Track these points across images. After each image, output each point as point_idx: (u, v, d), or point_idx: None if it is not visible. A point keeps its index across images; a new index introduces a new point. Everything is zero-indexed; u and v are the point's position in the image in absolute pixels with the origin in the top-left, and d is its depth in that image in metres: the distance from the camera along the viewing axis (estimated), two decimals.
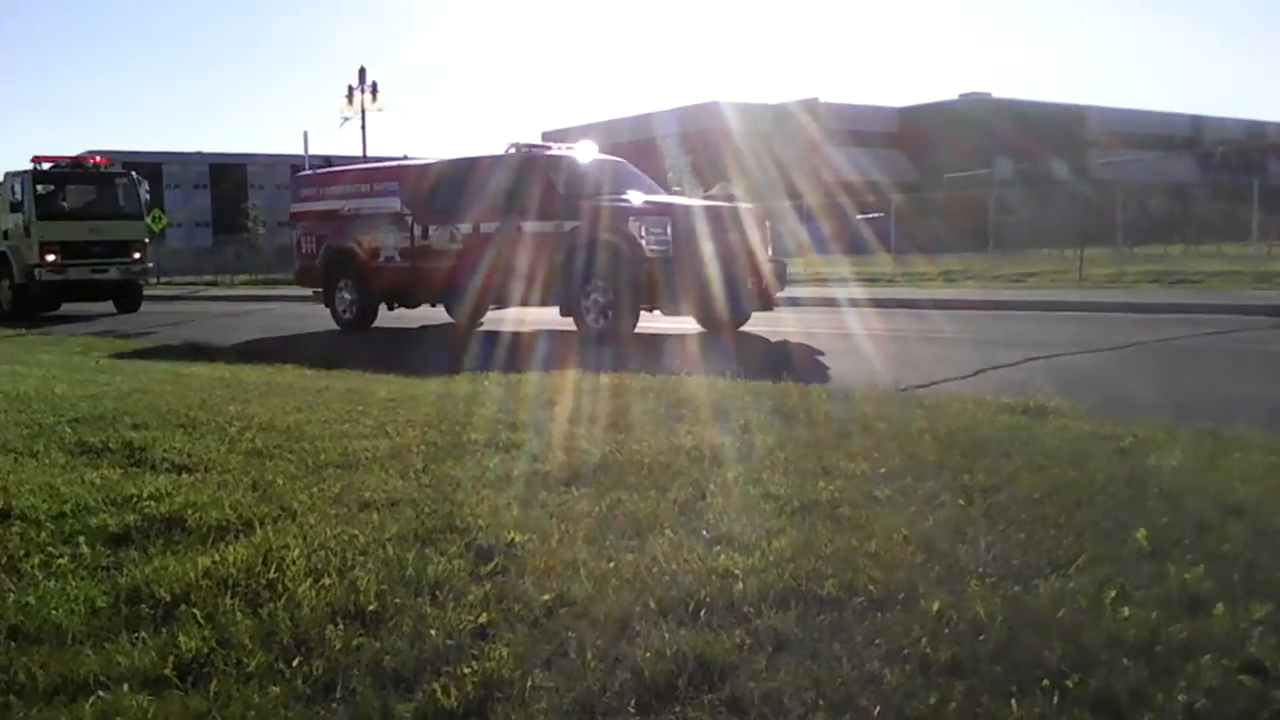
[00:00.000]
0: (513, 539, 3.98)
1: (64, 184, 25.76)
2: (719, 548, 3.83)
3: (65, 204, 25.67)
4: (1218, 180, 49.56)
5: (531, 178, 14.49)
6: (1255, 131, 77.02)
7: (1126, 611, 3.09)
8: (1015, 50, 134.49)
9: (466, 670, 2.88)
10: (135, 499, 4.77)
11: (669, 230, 13.05)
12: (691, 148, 53.40)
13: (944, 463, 5.09)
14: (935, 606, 3.18)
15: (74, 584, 3.67)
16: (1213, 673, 2.73)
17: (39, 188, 24.58)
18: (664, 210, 13.55)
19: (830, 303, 18.20)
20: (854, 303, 17.64)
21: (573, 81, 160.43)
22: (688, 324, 13.91)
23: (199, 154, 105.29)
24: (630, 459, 5.35)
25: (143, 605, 3.46)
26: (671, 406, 7.01)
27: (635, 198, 14.16)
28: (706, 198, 15.62)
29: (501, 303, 15.43)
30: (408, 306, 17.07)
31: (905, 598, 3.30)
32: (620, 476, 5.00)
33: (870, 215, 36.52)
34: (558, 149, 16.08)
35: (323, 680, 2.90)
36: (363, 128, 39.29)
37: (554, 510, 4.44)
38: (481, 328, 16.25)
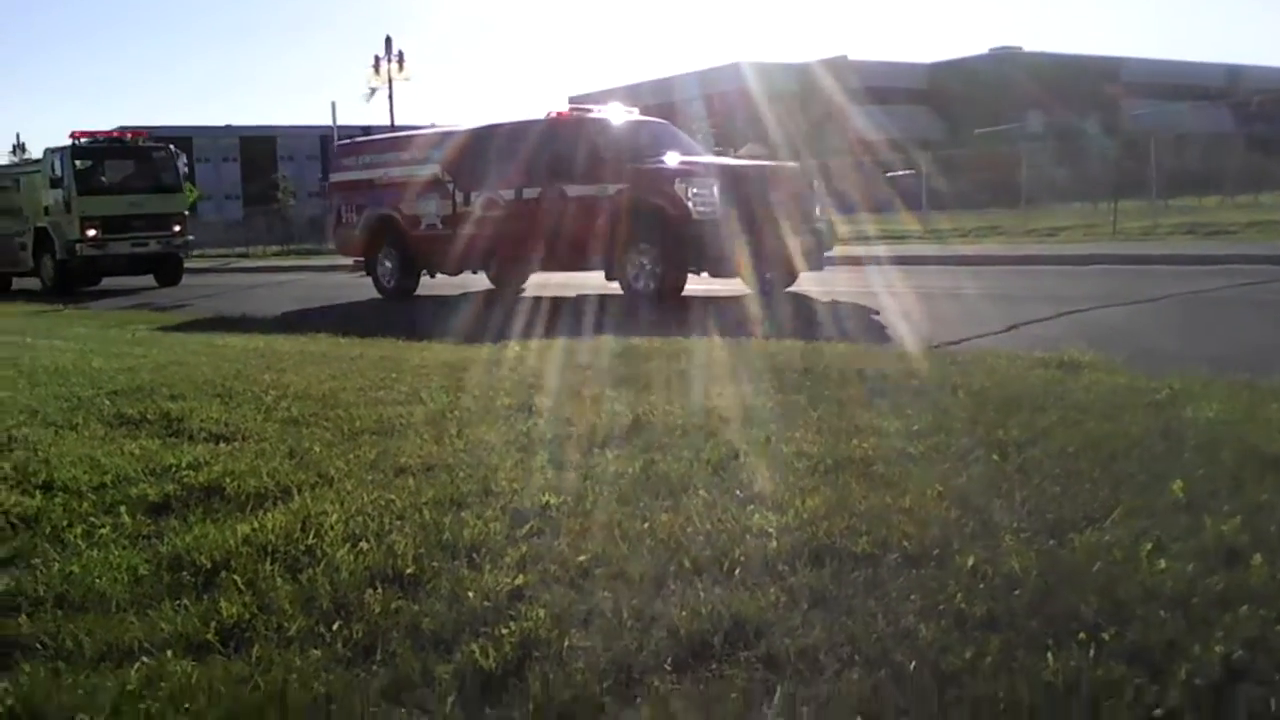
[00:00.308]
0: (547, 501, 4.00)
1: (103, 159, 25.58)
2: (752, 507, 3.84)
3: (104, 179, 25.41)
4: (1253, 130, 48.86)
5: (574, 141, 14.36)
6: None
7: (1162, 564, 3.08)
8: (1045, 3, 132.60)
9: (504, 631, 2.91)
10: (174, 468, 4.83)
11: (715, 191, 12.85)
12: (714, 110, 53.08)
13: (977, 418, 5.07)
14: (970, 562, 3.18)
15: (116, 553, 3.72)
16: (1250, 623, 2.72)
17: (78, 163, 24.45)
18: (710, 171, 13.35)
19: (863, 261, 18.03)
20: (889, 260, 17.53)
21: (595, 46, 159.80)
22: (735, 286, 13.72)
23: (228, 127, 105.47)
24: (662, 420, 5.36)
25: (184, 573, 3.50)
26: (704, 368, 7.01)
27: (681, 159, 13.99)
28: (740, 158, 15.44)
29: (546, 268, 15.26)
30: (449, 274, 16.81)
31: (939, 554, 3.30)
32: (653, 438, 5.01)
33: (901, 173, 36.23)
34: (600, 111, 15.97)
35: (362, 643, 2.93)
36: (390, 98, 39.32)
37: (588, 472, 4.46)
38: (524, 294, 16.16)
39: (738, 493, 4.04)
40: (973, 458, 4.38)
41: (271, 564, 3.51)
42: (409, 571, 3.37)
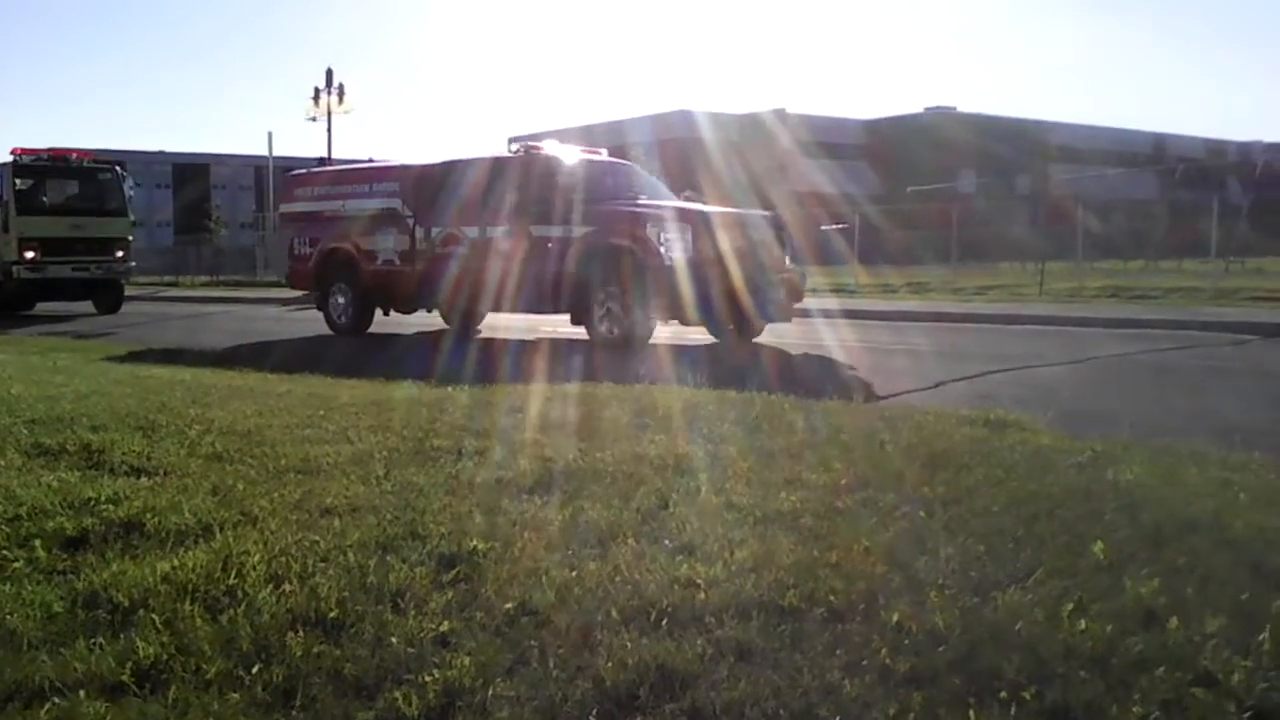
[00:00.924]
0: (475, 546, 3.97)
1: (45, 178, 24.83)
2: (681, 557, 3.83)
3: (46, 199, 24.76)
4: (1178, 197, 50.18)
5: (540, 180, 14.03)
6: (1216, 149, 78.10)
7: (1083, 624, 3.13)
8: (981, 65, 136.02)
9: (428, 678, 2.88)
10: (93, 502, 4.72)
11: (689, 236, 12.58)
12: (664, 155, 53.42)
13: (905, 475, 5.12)
14: (895, 617, 3.20)
15: (29, 588, 3.63)
16: (1166, 685, 2.77)
17: (18, 181, 23.63)
18: (683, 216, 13.06)
19: (810, 313, 18.11)
20: (826, 314, 17.66)
21: (544, 86, 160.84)
22: (699, 334, 13.60)
23: (162, 153, 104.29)
24: (593, 467, 5.34)
25: (100, 610, 3.43)
26: (642, 416, 7.00)
27: (652, 203, 13.77)
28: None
29: (508, 309, 14.74)
30: (404, 311, 16.44)
31: (866, 608, 3.32)
32: (583, 484, 5.00)
33: (836, 225, 36.67)
34: (566, 150, 15.58)
35: (283, 687, 2.89)
36: (328, 130, 39.20)
37: (517, 518, 4.44)
38: (480, 334, 15.93)
39: (666, 543, 4.04)
40: (900, 513, 4.42)
41: (191, 604, 3.45)
42: (332, 615, 3.33)
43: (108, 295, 25.03)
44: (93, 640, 3.18)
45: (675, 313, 12.76)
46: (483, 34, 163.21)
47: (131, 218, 25.55)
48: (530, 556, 3.87)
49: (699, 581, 3.56)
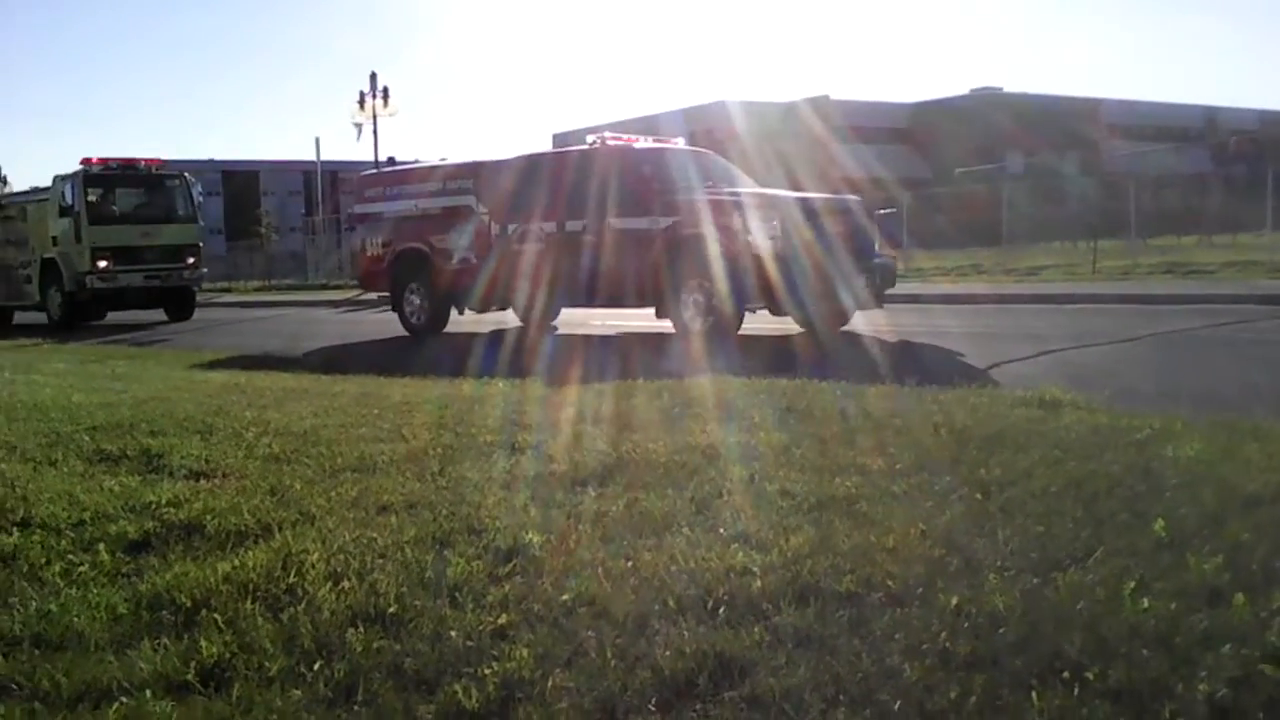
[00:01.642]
0: (530, 539, 3.99)
1: (115, 187, 24.45)
2: (736, 545, 3.83)
3: (116, 208, 24.38)
4: (1232, 171, 49.35)
5: (620, 172, 13.68)
6: (1269, 121, 76.67)
7: (1145, 603, 3.08)
8: (1026, 45, 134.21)
9: (487, 671, 2.90)
10: (154, 505, 4.79)
11: (775, 225, 12.17)
12: (700, 147, 53.20)
13: (960, 457, 5.08)
14: (954, 601, 3.18)
15: (95, 591, 3.70)
16: (1233, 662, 2.72)
17: (89, 191, 23.32)
18: (769, 204, 12.73)
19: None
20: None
21: (580, 82, 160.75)
22: (778, 324, 13.21)
23: (210, 161, 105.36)
24: (645, 458, 5.35)
25: (164, 611, 3.48)
26: (695, 405, 7.00)
27: (738, 191, 13.43)
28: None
29: (589, 304, 14.45)
30: (479, 310, 16.03)
31: (923, 592, 3.29)
32: (637, 476, 5.00)
33: (882, 210, 36.40)
34: (644, 141, 15.12)
35: (344, 683, 2.91)
36: (374, 133, 39.40)
37: (572, 510, 4.45)
38: (556, 330, 15.73)
39: (721, 531, 4.03)
40: (956, 496, 4.38)
41: (252, 603, 3.49)
42: (391, 611, 3.35)
43: (179, 303, 24.89)
44: (157, 641, 3.23)
45: (765, 302, 12.41)
46: (516, 32, 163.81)
47: (201, 224, 25.48)
48: (585, 548, 3.89)
49: (754, 569, 3.55)
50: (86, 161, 23.54)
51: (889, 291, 13.58)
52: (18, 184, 30.11)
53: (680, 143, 15.85)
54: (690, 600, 3.33)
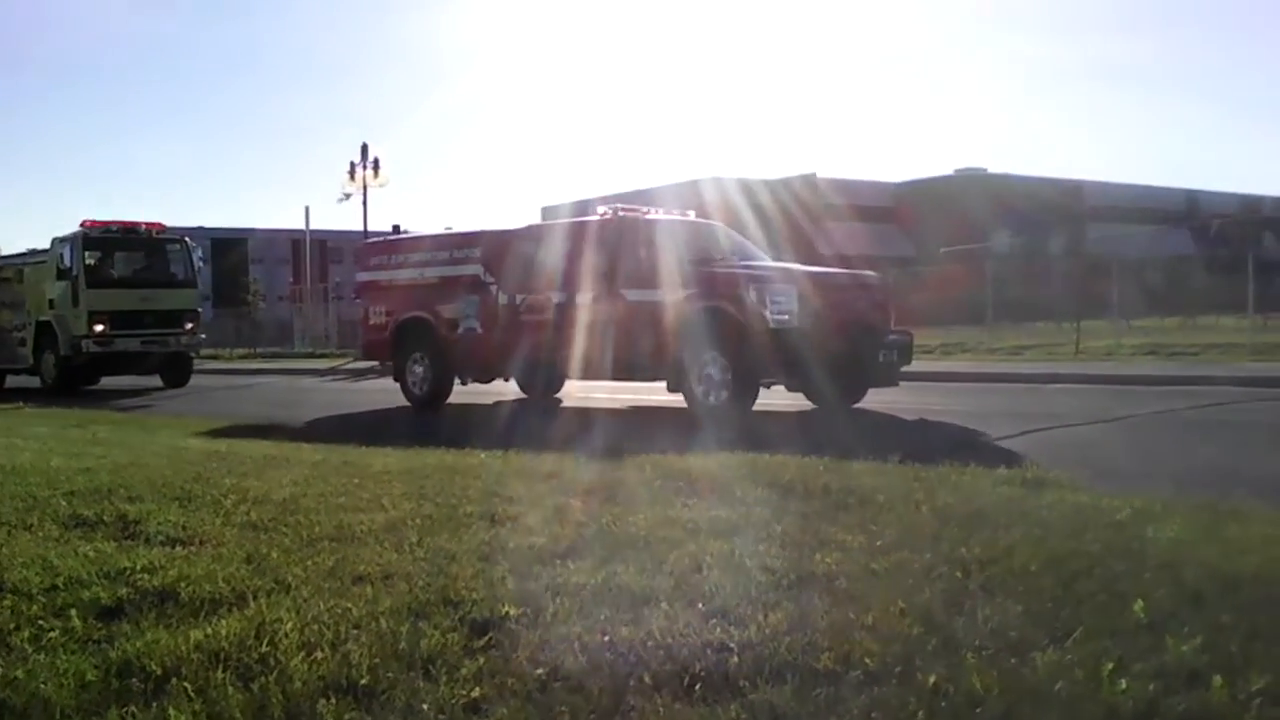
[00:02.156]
0: (507, 612, 3.95)
1: (114, 250, 24.39)
2: (714, 621, 3.80)
3: (115, 271, 24.21)
4: (1213, 254, 49.92)
5: (631, 242, 13.64)
6: (1250, 205, 77.65)
7: (1124, 684, 3.07)
8: (1010, 127, 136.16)
9: None
10: (129, 572, 4.74)
11: (793, 299, 12.05)
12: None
13: (941, 534, 5.07)
14: (932, 680, 3.16)
15: (64, 657, 3.64)
16: None
17: (88, 254, 23.15)
18: (787, 277, 12.68)
19: None
20: None
21: (569, 157, 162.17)
22: (786, 400, 13.09)
23: (200, 228, 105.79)
24: (624, 531, 5.33)
25: (133, 679, 3.42)
26: (678, 480, 6.99)
27: (755, 263, 13.41)
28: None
29: (596, 376, 14.15)
30: (483, 381, 15.96)
31: (902, 671, 3.27)
32: (616, 549, 4.98)
33: None
34: (654, 212, 15.16)
35: None
36: (364, 204, 39.65)
37: (549, 583, 4.42)
38: (560, 403, 15.67)
39: (700, 606, 4.01)
40: (936, 574, 4.37)
41: (224, 671, 3.44)
42: (364, 682, 3.31)
43: (176, 369, 24.44)
44: (125, 709, 3.18)
45: (781, 378, 12.34)
46: (508, 106, 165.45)
47: (200, 289, 25.16)
48: (562, 621, 3.85)
49: (732, 645, 3.52)
50: (86, 224, 23.32)
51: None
52: (5, 245, 29.73)
53: (691, 215, 15.79)
54: (666, 676, 3.30)
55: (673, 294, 12.73)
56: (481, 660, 3.49)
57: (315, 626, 3.85)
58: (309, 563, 4.87)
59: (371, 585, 4.45)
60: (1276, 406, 12.93)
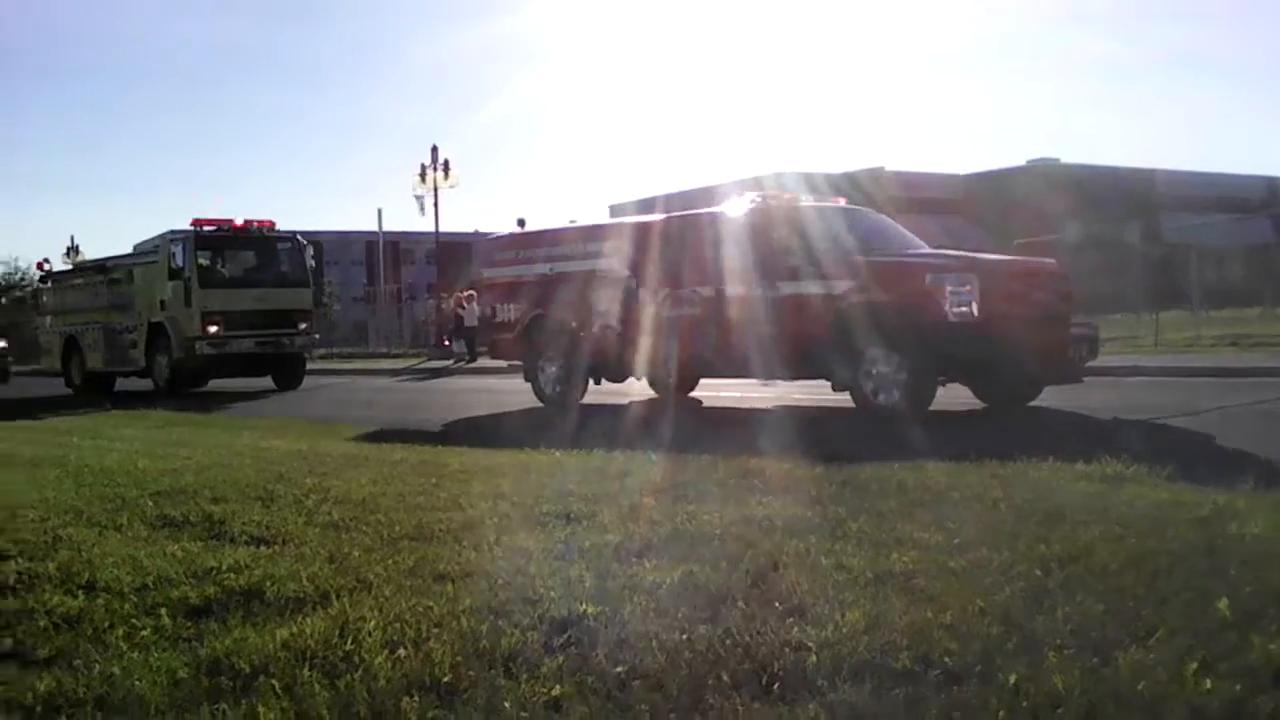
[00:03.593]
0: (585, 610, 3.99)
1: (225, 249, 23.67)
2: (791, 620, 3.81)
3: (227, 271, 23.60)
4: None
5: (785, 231, 12.82)
6: None
7: (1209, 683, 3.03)
8: (1083, 119, 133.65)
9: None
10: (215, 571, 4.86)
11: (975, 289, 11.06)
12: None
13: (1020, 532, 5.03)
14: (1012, 679, 3.14)
15: (156, 655, 3.74)
16: None
17: (200, 254, 22.51)
18: (969, 266, 11.72)
19: None
20: None
21: (636, 155, 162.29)
22: (963, 398, 12.16)
23: None
24: (699, 531, 5.35)
25: (223, 677, 3.51)
26: (757, 481, 6.98)
27: (931, 251, 12.77)
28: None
29: (749, 375, 13.26)
30: (617, 380, 15.12)
31: (981, 670, 3.26)
32: (691, 548, 5.00)
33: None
34: (805, 200, 14.29)
35: None
36: (435, 205, 39.95)
37: (626, 581, 4.45)
38: (701, 403, 15.06)
39: (776, 605, 4.02)
40: (1015, 572, 4.34)
41: (310, 670, 3.51)
42: (446, 680, 3.37)
43: (289, 370, 23.85)
44: (216, 706, 3.26)
45: (960, 374, 11.65)
46: (572, 106, 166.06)
47: (313, 288, 24.52)
48: (640, 619, 3.88)
49: (810, 644, 3.53)
50: (197, 223, 22.89)
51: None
52: (91, 254, 29.47)
53: (842, 202, 14.91)
54: (744, 675, 3.32)
55: (837, 286, 11.88)
56: (561, 658, 3.52)
57: (397, 625, 3.92)
58: (390, 561, 4.96)
59: (452, 584, 4.52)
60: None
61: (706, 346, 13.27)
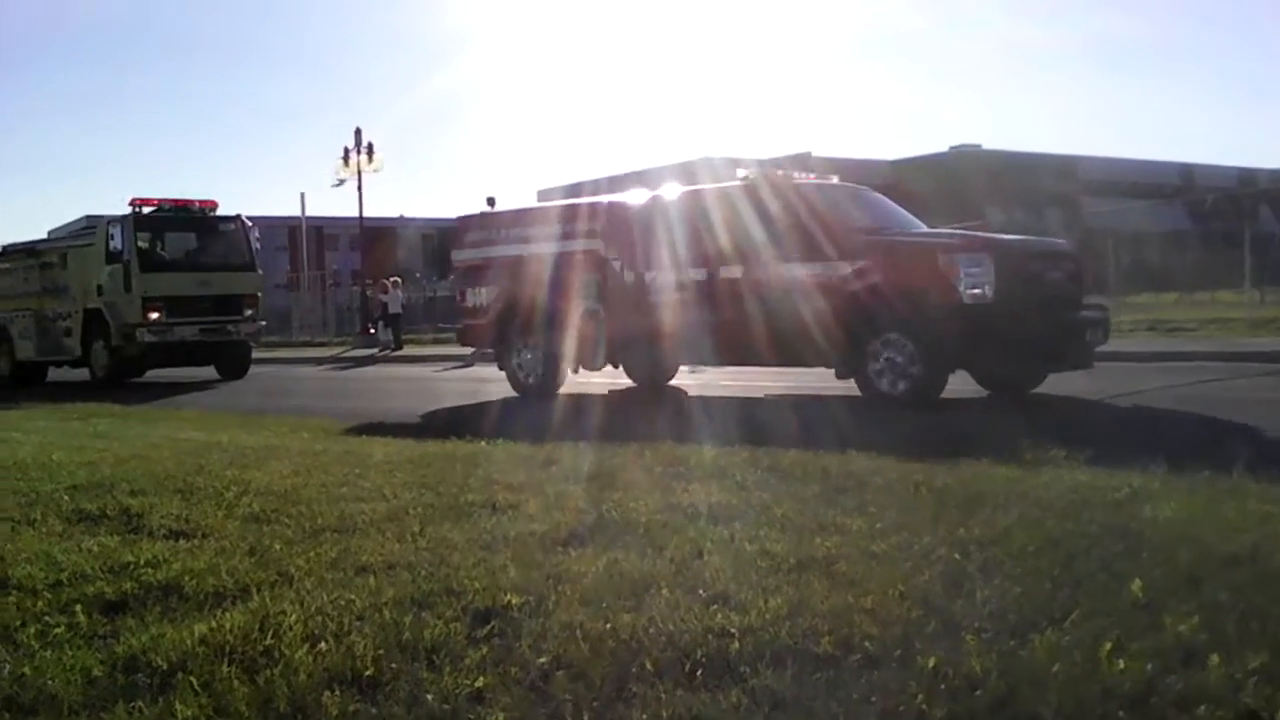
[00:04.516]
0: (509, 601, 3.98)
1: (166, 230, 22.67)
2: (715, 607, 3.83)
3: (169, 254, 22.51)
4: (1209, 228, 49.89)
5: (784, 209, 12.09)
6: (1246, 179, 77.56)
7: (1122, 664, 3.10)
8: (1006, 107, 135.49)
9: None
10: (132, 566, 4.77)
11: (990, 271, 10.56)
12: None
13: (940, 516, 5.10)
14: (931, 662, 3.18)
15: (70, 653, 3.66)
16: None
17: (139, 235, 21.49)
18: (984, 246, 11.22)
19: None
20: None
21: (566, 140, 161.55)
22: (963, 385, 11.57)
23: None
24: (624, 518, 5.35)
25: (139, 674, 3.45)
26: (690, 468, 7.00)
27: (943, 231, 12.23)
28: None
29: (748, 361, 12.71)
30: (594, 368, 14.27)
31: (901, 654, 3.30)
32: (616, 536, 5.01)
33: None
34: (800, 176, 13.52)
35: None
36: (359, 189, 39.50)
37: (550, 571, 4.44)
38: (684, 392, 14.44)
39: (700, 592, 4.03)
40: (935, 556, 4.40)
41: (229, 665, 3.46)
42: (368, 673, 3.34)
43: (234, 359, 22.88)
44: (132, 704, 3.20)
45: (972, 361, 11.13)
46: (501, 91, 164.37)
47: (261, 272, 23.54)
48: (564, 609, 3.88)
49: (733, 630, 3.55)
50: (136, 202, 21.85)
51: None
52: None
53: (835, 179, 14.14)
54: (667, 663, 3.33)
55: (840, 267, 11.32)
56: (485, 649, 3.51)
57: (319, 618, 3.88)
58: (312, 554, 4.91)
59: (374, 576, 4.47)
60: (1276, 381, 12.97)
61: (697, 332, 12.62)
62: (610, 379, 15.11)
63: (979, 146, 73.27)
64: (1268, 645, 3.18)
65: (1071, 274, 11.93)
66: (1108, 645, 3.23)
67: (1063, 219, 51.17)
